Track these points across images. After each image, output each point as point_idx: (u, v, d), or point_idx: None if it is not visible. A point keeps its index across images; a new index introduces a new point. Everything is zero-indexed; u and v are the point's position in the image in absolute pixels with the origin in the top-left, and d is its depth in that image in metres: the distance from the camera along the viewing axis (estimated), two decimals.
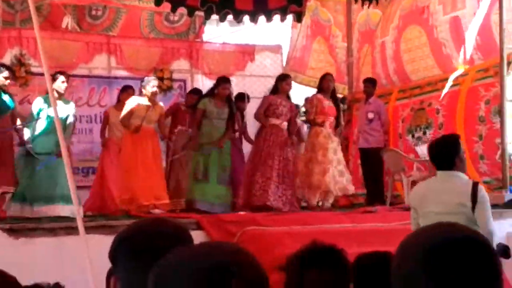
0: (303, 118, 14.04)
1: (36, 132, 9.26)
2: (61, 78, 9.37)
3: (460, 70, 10.80)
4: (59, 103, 9.35)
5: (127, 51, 12.80)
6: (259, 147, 10.07)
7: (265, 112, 10.11)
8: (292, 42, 14.36)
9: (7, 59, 11.39)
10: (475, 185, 5.19)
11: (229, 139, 10.28)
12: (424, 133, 11.23)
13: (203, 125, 10.07)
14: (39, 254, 7.51)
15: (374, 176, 11.18)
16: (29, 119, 9.45)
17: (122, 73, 12.78)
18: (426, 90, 11.41)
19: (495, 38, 10.17)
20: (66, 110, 9.53)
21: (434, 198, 5.19)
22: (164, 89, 12.84)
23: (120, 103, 10.63)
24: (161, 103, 10.18)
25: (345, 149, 11.91)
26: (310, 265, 2.82)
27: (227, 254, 1.39)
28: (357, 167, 11.84)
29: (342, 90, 13.21)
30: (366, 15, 12.86)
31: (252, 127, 11.19)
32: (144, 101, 9.74)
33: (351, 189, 10.61)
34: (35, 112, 9.34)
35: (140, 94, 9.98)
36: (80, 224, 3.26)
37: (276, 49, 14.22)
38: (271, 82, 13.44)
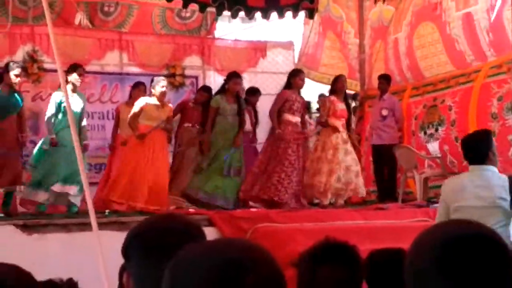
0: (317, 114, 14.03)
1: (59, 126, 9.31)
2: (78, 71, 9.49)
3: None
4: (74, 96, 9.40)
5: (139, 48, 12.81)
6: (276, 142, 10.03)
7: (280, 108, 10.08)
8: (304, 39, 14.33)
9: (19, 56, 11.44)
10: (511, 179, 5.25)
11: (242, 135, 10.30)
12: (436, 130, 11.19)
13: (217, 123, 10.08)
14: (52, 250, 7.55)
15: (388, 173, 11.16)
16: (46, 141, 9.52)
17: (134, 69, 12.79)
18: (439, 87, 11.37)
19: (508, 35, 10.13)
20: (81, 103, 9.60)
21: (470, 193, 5.21)
22: (176, 85, 12.86)
23: (131, 100, 10.61)
24: (170, 105, 10.18)
25: (357, 145, 11.89)
26: (322, 262, 2.82)
27: (242, 250, 1.39)
28: (369, 164, 11.81)
29: (354, 87, 13.19)
30: (379, 11, 12.83)
31: (263, 123, 11.16)
32: (153, 101, 9.73)
33: (363, 193, 10.58)
34: (54, 104, 9.38)
35: (150, 94, 9.96)
36: (93, 220, 3.27)
37: (288, 45, 14.19)
38: (283, 79, 13.40)
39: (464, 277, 1.41)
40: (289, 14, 10.14)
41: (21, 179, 9.30)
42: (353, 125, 11.20)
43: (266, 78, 13.28)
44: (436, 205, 9.87)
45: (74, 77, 9.38)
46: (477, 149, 5.37)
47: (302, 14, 10.62)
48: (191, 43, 13.47)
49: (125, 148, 9.98)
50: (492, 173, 5.28)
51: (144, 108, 9.60)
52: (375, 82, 12.64)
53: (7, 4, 11.79)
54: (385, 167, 11.17)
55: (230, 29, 16.67)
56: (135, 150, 9.56)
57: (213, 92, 10.82)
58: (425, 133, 11.43)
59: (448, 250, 1.43)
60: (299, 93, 10.40)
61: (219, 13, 10.67)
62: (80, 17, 12.90)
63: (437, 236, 1.49)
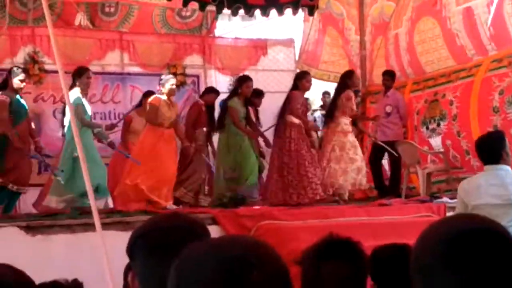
0: (323, 112, 14.03)
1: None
2: (87, 74, 9.39)
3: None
4: (84, 100, 9.36)
5: (140, 48, 12.82)
6: (291, 145, 10.05)
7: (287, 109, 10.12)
8: (304, 36, 14.33)
9: (20, 57, 11.45)
10: None
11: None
12: (438, 124, 11.18)
13: (231, 125, 10.11)
14: (56, 251, 7.55)
15: (391, 169, 11.16)
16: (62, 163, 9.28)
17: (135, 69, 12.80)
18: (440, 81, 11.37)
19: (509, 29, 10.13)
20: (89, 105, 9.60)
21: (486, 192, 5.43)
22: (178, 84, 12.84)
23: (142, 108, 10.52)
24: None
25: (360, 142, 11.88)
26: (326, 258, 2.82)
27: (248, 247, 1.39)
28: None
29: None
30: (380, 7, 12.83)
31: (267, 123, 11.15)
32: (164, 99, 9.75)
33: (364, 183, 10.62)
34: (74, 103, 8.97)
35: (159, 92, 9.93)
36: (97, 221, 3.28)
37: (289, 43, 14.19)
38: (284, 77, 13.46)
39: (470, 271, 1.41)
40: (288, 11, 10.13)
41: (27, 183, 9.26)
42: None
43: (267, 76, 13.28)
44: (439, 200, 9.92)
45: (84, 81, 9.31)
46: (491, 149, 5.58)
47: (302, 11, 10.61)
48: (191, 42, 13.47)
49: (144, 149, 9.82)
50: (506, 172, 5.48)
51: (160, 106, 9.62)
52: (376, 79, 12.66)
53: (5, 5, 11.79)
54: (389, 163, 11.18)
55: (231, 27, 16.69)
56: (153, 148, 9.58)
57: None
58: (427, 128, 11.43)
59: (454, 245, 1.44)
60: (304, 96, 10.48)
61: (219, 11, 10.66)
62: (80, 18, 12.90)
63: (443, 231, 1.50)
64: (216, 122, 10.54)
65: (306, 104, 10.52)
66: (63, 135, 9.68)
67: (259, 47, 13.84)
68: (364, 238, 3.05)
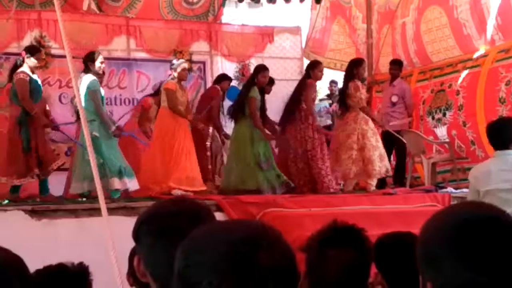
0: (330, 101, 14.00)
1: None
2: (100, 58, 9.28)
3: (481, 51, 10.73)
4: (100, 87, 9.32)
5: (146, 33, 12.80)
6: (314, 133, 10.07)
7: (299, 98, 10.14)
8: (311, 24, 14.31)
9: (27, 41, 11.43)
10: None
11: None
12: (444, 114, 11.17)
13: (258, 118, 10.08)
14: (61, 236, 7.58)
15: (397, 159, 11.16)
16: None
17: (142, 55, 12.78)
18: (447, 71, 11.35)
19: None
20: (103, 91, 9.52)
21: (496, 177, 5.56)
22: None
23: (159, 96, 10.54)
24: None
25: None
26: (330, 244, 2.83)
27: (257, 230, 1.41)
28: None
29: None
30: None
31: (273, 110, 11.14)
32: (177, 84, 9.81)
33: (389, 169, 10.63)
34: (89, 90, 9.00)
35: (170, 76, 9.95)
36: (102, 205, 3.29)
37: (296, 30, 14.16)
38: (290, 64, 13.45)
39: (476, 258, 1.42)
40: None
41: (25, 175, 8.92)
42: None
43: (274, 63, 13.25)
44: (444, 190, 9.93)
45: (97, 65, 9.23)
46: (501, 135, 5.68)
47: None
48: (198, 29, 13.45)
49: (166, 138, 9.81)
50: None
51: (176, 90, 9.67)
52: (382, 67, 12.64)
53: None
54: (394, 153, 11.18)
55: (237, 14, 16.67)
56: (177, 137, 9.65)
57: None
58: (433, 118, 11.41)
59: (460, 232, 1.44)
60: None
61: None
62: (87, 3, 12.87)
63: (451, 218, 1.50)
64: (233, 112, 10.35)
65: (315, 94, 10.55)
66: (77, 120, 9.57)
67: (266, 34, 13.82)
68: (368, 226, 3.05)
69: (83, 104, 7.57)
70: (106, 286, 3.27)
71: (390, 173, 10.48)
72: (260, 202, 8.68)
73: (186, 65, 10.04)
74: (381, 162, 10.14)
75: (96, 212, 6.31)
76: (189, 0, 14.03)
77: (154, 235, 1.91)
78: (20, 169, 8.77)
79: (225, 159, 10.97)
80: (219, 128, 11.15)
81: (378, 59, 12.94)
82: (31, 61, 8.98)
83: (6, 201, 8.53)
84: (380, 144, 10.22)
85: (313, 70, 10.24)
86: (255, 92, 10.06)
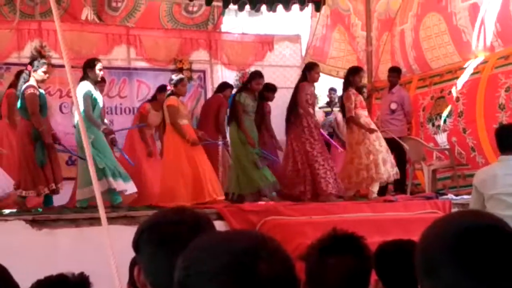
0: (328, 109, 14.00)
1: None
2: (99, 65, 9.21)
3: (480, 58, 10.74)
4: (97, 93, 9.29)
5: (147, 42, 12.82)
6: (313, 133, 10.06)
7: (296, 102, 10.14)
8: (311, 31, 14.32)
9: (27, 51, 11.45)
10: None
11: None
12: (444, 121, 11.17)
13: (243, 121, 10.10)
14: (61, 245, 7.57)
15: (396, 166, 11.14)
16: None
17: (142, 64, 12.80)
18: (446, 78, 11.35)
19: None
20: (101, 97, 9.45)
21: (501, 181, 5.59)
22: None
23: (157, 102, 10.58)
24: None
25: None
26: (330, 253, 2.83)
27: (257, 240, 1.42)
28: None
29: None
30: (386, 3, 12.80)
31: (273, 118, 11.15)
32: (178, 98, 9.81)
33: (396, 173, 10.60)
34: (83, 94, 8.90)
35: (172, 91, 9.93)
36: (102, 215, 3.29)
37: (295, 39, 14.18)
38: (290, 72, 13.46)
39: (477, 266, 1.42)
40: (295, 7, 10.14)
41: (31, 186, 8.76)
42: None
43: (274, 72, 13.27)
44: (444, 197, 9.92)
45: (96, 72, 9.19)
46: (507, 139, 5.73)
47: (308, 7, 10.61)
48: (198, 38, 13.47)
49: (171, 153, 9.72)
50: None
51: (181, 107, 9.68)
52: (381, 75, 12.65)
53: (16, 0, 11.80)
54: (394, 160, 11.15)
55: (237, 23, 16.66)
56: (182, 151, 9.58)
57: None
58: (433, 124, 11.41)
59: (461, 240, 1.44)
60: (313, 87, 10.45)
61: (225, 6, 10.68)
62: (87, 12, 12.90)
63: (451, 226, 1.50)
64: (228, 116, 10.55)
65: (315, 94, 10.50)
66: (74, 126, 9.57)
67: (266, 42, 13.83)
68: (369, 234, 3.06)
69: (81, 111, 7.55)
70: None
71: (397, 176, 10.38)
72: (261, 210, 8.69)
73: (186, 80, 10.03)
74: (384, 166, 10.12)
75: (96, 221, 6.30)
76: (189, 9, 14.06)
77: (155, 244, 1.91)
78: (29, 181, 8.69)
79: None
80: (225, 137, 11.17)
81: (378, 66, 12.95)
82: (37, 75, 8.90)
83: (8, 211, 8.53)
84: (383, 148, 10.19)
85: (310, 71, 10.22)
86: (242, 97, 10.12)
